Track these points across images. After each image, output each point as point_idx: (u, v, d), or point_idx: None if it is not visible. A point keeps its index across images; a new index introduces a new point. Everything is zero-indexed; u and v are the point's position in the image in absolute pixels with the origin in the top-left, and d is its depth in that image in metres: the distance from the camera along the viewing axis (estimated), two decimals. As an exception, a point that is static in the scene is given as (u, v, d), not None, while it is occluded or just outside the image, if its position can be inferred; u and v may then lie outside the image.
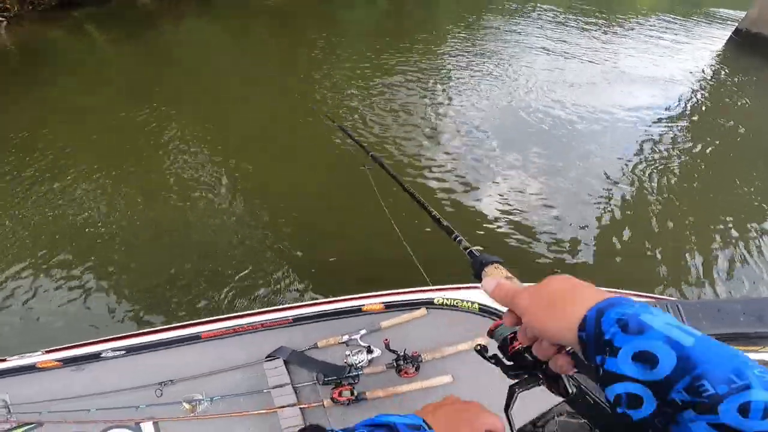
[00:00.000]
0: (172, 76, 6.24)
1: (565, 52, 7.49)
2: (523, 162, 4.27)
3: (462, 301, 1.25)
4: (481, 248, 0.70)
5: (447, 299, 1.26)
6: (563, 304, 0.43)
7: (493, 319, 1.13)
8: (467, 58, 6.83)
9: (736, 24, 10.06)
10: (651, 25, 10.58)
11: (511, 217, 3.50)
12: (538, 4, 10.91)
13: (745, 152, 4.89)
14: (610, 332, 0.37)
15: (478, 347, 0.65)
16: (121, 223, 3.34)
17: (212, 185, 3.77)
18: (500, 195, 3.76)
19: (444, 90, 5.75)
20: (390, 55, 6.67)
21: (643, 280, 2.99)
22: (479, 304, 1.24)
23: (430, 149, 4.40)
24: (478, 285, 1.14)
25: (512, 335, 0.59)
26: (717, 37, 9.97)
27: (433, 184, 3.86)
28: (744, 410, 0.30)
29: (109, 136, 4.61)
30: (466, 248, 0.75)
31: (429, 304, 1.26)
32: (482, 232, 3.33)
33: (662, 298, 1.29)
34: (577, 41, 8.42)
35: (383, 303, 1.27)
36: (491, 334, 0.64)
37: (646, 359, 0.35)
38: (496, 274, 0.62)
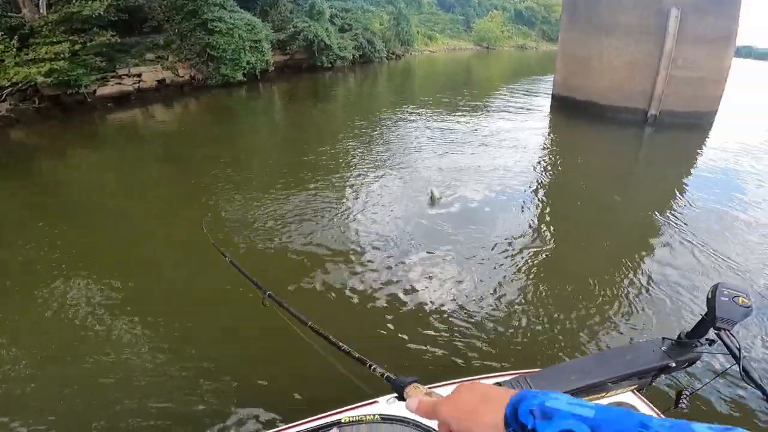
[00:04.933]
0: (49, 215, 4.93)
1: (450, 140, 8.05)
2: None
3: (365, 415, 1.25)
4: (392, 375, 0.71)
5: (352, 417, 1.26)
6: (484, 408, 0.44)
7: (394, 425, 1.22)
8: (368, 162, 6.63)
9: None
10: (506, 102, 12.33)
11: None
12: (411, 108, 11.32)
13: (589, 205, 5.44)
14: (530, 422, 0.39)
15: None
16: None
17: (104, 336, 2.93)
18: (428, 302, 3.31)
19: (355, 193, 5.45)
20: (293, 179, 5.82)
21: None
22: (380, 415, 1.26)
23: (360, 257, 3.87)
24: (377, 399, 1.29)
25: None
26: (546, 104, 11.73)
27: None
28: None
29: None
30: (382, 375, 0.75)
31: (338, 423, 1.23)
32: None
33: (514, 373, 1.34)
34: (456, 126, 9.41)
35: None
36: None
37: None
38: (416, 393, 0.63)
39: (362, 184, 5.72)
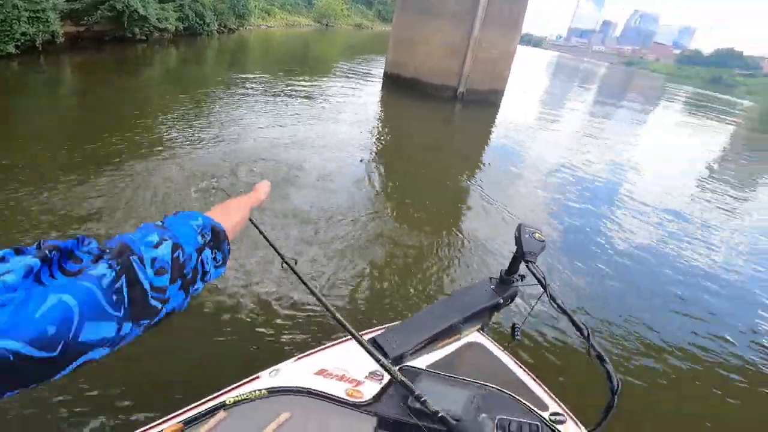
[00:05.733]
0: None
1: (285, 115, 7.76)
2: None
3: (251, 392, 1.17)
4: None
5: (237, 396, 1.16)
6: None
7: (284, 396, 1.17)
8: (188, 139, 5.74)
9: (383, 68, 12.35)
10: (343, 78, 12.50)
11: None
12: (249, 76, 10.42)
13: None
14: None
15: None
16: None
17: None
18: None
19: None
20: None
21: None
22: (267, 389, 1.18)
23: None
24: (259, 375, 1.23)
25: None
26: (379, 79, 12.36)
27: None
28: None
29: None
30: (436, 413, 0.63)
31: (222, 406, 1.14)
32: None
33: (381, 328, 1.31)
34: (293, 101, 9.09)
35: (181, 422, 1.11)
36: None
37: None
38: None
39: (179, 162, 4.92)
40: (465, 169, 6.40)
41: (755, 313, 3.80)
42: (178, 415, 1.13)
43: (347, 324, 0.77)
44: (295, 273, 0.97)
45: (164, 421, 1.11)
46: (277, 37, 24.98)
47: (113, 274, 0.36)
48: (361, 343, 0.78)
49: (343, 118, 7.99)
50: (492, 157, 7.43)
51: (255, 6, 28.23)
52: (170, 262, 0.42)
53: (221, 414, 1.13)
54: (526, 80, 22.24)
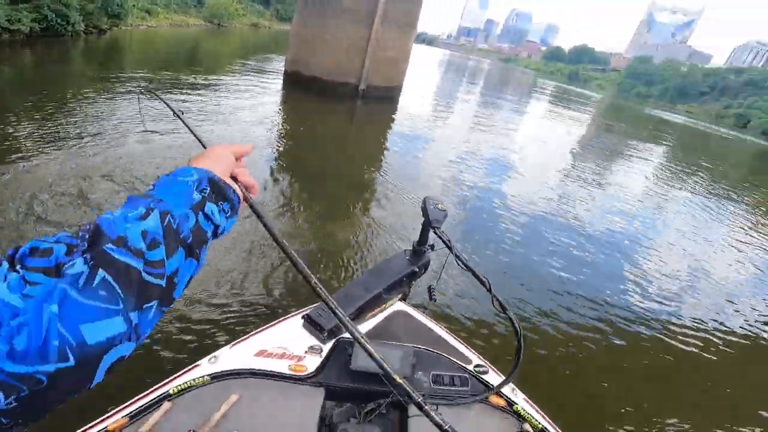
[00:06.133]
0: None
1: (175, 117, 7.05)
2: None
3: (194, 379, 1.16)
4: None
5: (180, 385, 1.15)
6: None
7: (227, 380, 1.17)
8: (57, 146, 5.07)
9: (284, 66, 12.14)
10: (241, 78, 11.76)
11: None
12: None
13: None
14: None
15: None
16: None
17: None
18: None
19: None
20: None
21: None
22: (209, 375, 1.18)
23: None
24: (199, 363, 1.23)
25: None
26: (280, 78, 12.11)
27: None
28: None
29: None
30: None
31: (167, 396, 1.12)
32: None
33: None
34: (187, 103, 8.42)
35: (126, 416, 1.06)
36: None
37: None
38: None
39: (48, 167, 4.12)
40: (369, 160, 6.70)
41: (613, 260, 4.80)
42: (121, 409, 1.10)
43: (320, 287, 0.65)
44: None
45: (108, 417, 1.07)
46: (160, 37, 22.73)
47: (88, 269, 0.33)
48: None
49: (242, 116, 7.72)
50: (394, 148, 7.88)
51: (133, 6, 25.27)
52: (162, 233, 0.39)
53: (166, 405, 1.11)
54: (423, 77, 23.61)
